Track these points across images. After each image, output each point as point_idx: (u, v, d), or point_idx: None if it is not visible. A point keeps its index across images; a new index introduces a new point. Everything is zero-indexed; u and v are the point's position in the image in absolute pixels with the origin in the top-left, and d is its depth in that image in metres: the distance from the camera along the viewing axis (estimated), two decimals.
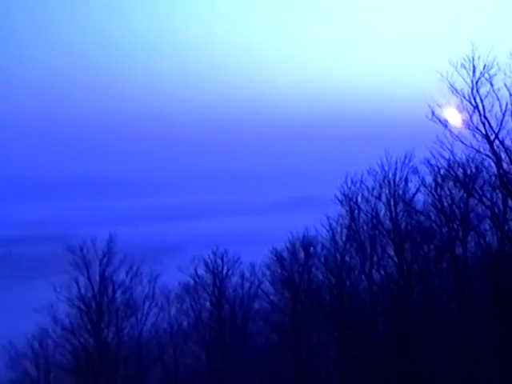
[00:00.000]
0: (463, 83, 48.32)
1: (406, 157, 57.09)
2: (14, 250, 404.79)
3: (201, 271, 65.91)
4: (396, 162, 57.46)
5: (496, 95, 47.90)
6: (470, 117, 49.26)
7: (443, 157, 52.63)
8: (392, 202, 58.13)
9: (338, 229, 60.41)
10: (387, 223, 59.08)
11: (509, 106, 47.34)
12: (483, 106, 47.81)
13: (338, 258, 60.27)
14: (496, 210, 53.36)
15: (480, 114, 48.19)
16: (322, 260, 61.78)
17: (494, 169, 50.86)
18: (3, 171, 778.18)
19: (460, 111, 49.64)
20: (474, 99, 48.82)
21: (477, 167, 53.57)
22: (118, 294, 65.22)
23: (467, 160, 53.26)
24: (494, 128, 48.52)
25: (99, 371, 63.28)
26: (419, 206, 58.65)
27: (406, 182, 58.10)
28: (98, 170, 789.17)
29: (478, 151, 50.96)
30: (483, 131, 48.28)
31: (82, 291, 64.00)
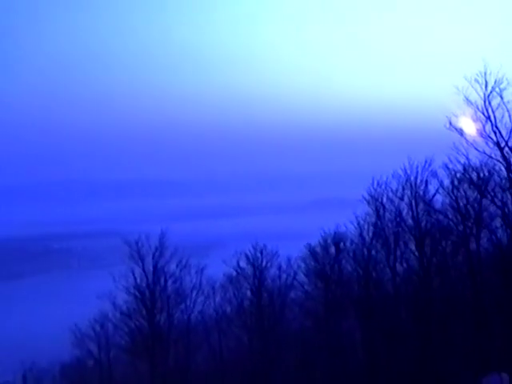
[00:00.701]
0: (477, 96, 50.35)
1: (426, 162, 58.95)
2: (79, 243, 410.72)
3: (242, 263, 67.60)
4: (417, 167, 59.40)
5: (506, 107, 50.31)
6: (483, 126, 51.27)
7: (459, 162, 55.04)
8: (413, 203, 60.03)
9: (365, 226, 62.33)
10: (409, 221, 60.79)
11: None
12: (495, 117, 50.57)
13: (365, 252, 62.19)
14: (506, 210, 55.01)
15: (492, 124, 50.87)
16: (351, 254, 63.66)
17: (505, 173, 53.27)
18: (70, 174, 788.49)
19: (474, 121, 51.42)
20: (487, 110, 50.89)
21: (489, 171, 55.56)
22: (169, 283, 67.49)
23: (480, 165, 55.23)
24: (505, 136, 50.92)
25: (152, 351, 65.72)
26: (438, 206, 60.29)
27: (426, 185, 60.00)
28: (152, 173, 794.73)
29: (490, 157, 52.90)
30: (495, 139, 50.95)
31: (138, 281, 66.64)
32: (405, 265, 62.26)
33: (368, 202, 62.11)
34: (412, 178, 60.41)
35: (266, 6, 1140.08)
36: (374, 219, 62.49)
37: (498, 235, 57.68)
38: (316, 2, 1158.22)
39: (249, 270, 67.83)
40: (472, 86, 50.79)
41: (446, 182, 59.19)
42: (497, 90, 50.37)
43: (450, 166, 56.98)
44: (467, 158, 54.63)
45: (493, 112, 50.97)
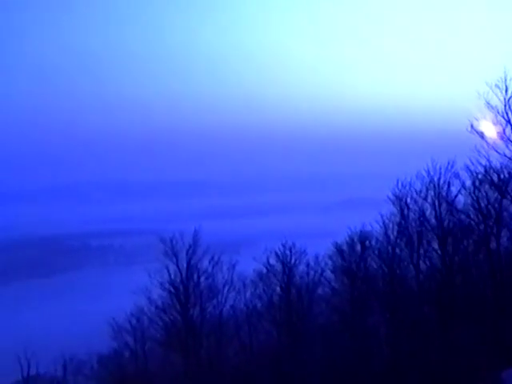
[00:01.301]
0: (497, 101, 51.76)
1: (448, 163, 60.02)
2: (116, 241, 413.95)
3: (272, 261, 67.81)
4: (440, 168, 60.41)
5: None
6: (503, 129, 52.49)
7: (480, 164, 56.46)
8: (437, 203, 60.99)
9: (390, 225, 63.04)
10: (432, 221, 61.73)
11: None
12: None
13: (390, 250, 62.87)
14: None
15: None
16: (376, 252, 64.18)
17: None
18: (108, 175, 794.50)
19: (494, 125, 52.65)
20: (507, 114, 52.06)
21: (509, 173, 56.87)
22: (202, 279, 68.03)
23: (501, 167, 56.54)
24: None
25: (186, 344, 66.35)
26: (460, 206, 61.22)
27: (449, 185, 61.01)
28: (187, 174, 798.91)
29: (510, 159, 54.53)
30: None
31: (172, 277, 67.14)
32: (428, 263, 62.93)
33: (393, 202, 62.86)
34: (435, 179, 61.16)
35: (282, 6, 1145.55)
36: (398, 219, 63.13)
37: None
38: (337, 4, 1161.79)
39: (278, 266, 68.05)
40: (493, 91, 52.08)
41: (468, 183, 60.27)
42: None
43: (472, 168, 58.21)
44: (488, 160, 55.80)
45: None
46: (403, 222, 62.97)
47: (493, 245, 59.61)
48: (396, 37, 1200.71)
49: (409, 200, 62.43)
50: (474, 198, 59.82)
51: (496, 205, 59.04)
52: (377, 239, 64.80)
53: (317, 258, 67.92)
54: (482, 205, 59.47)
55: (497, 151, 54.56)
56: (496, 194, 58.95)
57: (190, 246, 67.72)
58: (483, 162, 56.09)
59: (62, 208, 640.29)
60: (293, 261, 67.75)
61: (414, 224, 62.76)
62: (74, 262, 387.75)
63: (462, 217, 61.35)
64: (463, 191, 60.86)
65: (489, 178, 58.29)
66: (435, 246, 61.86)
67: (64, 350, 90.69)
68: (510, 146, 53.82)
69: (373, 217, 64.24)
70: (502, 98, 52.65)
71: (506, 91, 52.57)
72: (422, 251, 62.29)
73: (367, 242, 64.93)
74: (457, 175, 60.74)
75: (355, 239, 65.46)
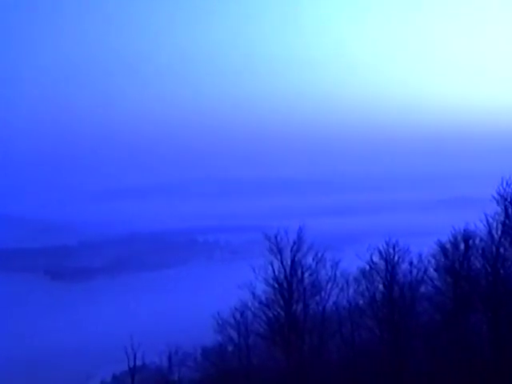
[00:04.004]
0: None
1: None
2: (222, 237, 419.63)
3: (375, 258, 67.08)
4: None
5: None
6: None
7: None
8: None
9: (494, 224, 62.06)
10: None
11: None
12: None
13: (494, 249, 61.82)
14: None
15: None
16: (480, 251, 63.21)
17: None
18: (215, 173, 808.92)
19: None
20: None
21: None
22: (306, 275, 67.82)
23: None
24: None
25: (288, 340, 66.51)
26: None
27: None
28: (292, 173, 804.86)
29: None
30: None
31: (276, 273, 67.41)
32: None
33: (497, 201, 62.05)
34: None
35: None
36: (502, 218, 62.20)
37: None
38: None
39: (381, 264, 67.39)
40: None
41: None
42: None
43: None
44: None
45: None
46: (507, 221, 61.99)
47: None
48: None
49: None
50: None
51: None
52: (481, 238, 63.81)
53: (420, 256, 67.01)
54: None
55: None
56: None
57: (294, 243, 67.68)
58: None
59: (169, 204, 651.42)
60: (396, 259, 66.97)
61: None
62: (180, 257, 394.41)
63: None
64: None
65: None
66: None
67: (169, 342, 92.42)
68: None
69: (477, 216, 63.49)
70: None
71: None
72: None
73: (471, 241, 64.05)
74: None
75: (459, 238, 64.69)
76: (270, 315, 68.51)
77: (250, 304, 69.26)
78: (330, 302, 69.07)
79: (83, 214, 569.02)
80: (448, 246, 65.27)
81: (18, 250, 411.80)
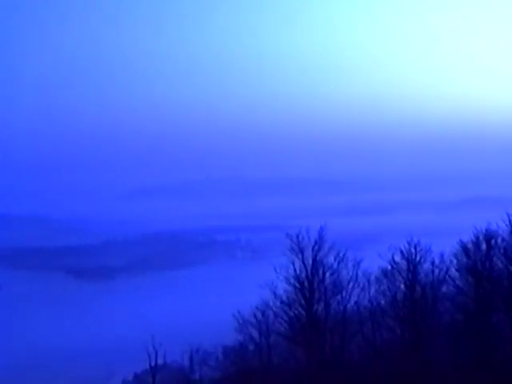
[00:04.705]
0: None
1: None
2: (243, 236, 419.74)
3: (397, 258, 67.02)
4: None
5: None
6: None
7: None
8: None
9: None
10: None
11: None
12: None
13: None
14: None
15: None
16: (502, 251, 63.19)
17: None
18: (237, 172, 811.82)
19: None
20: None
21: None
22: (327, 275, 67.64)
23: None
24: None
25: (309, 339, 66.40)
26: None
27: None
28: (313, 172, 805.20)
29: None
30: None
31: (297, 272, 67.06)
32: None
33: None
34: None
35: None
36: None
37: None
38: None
39: (403, 264, 67.32)
40: None
41: None
42: None
43: None
44: None
45: None
46: None
47: None
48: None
49: None
50: None
51: None
52: (503, 238, 63.87)
53: (442, 256, 66.95)
54: None
55: None
56: None
57: (315, 242, 67.50)
58: None
59: (190, 204, 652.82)
60: (417, 258, 66.90)
61: None
62: (201, 257, 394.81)
63: None
64: None
65: None
66: None
67: (191, 341, 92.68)
68: None
69: (499, 215, 63.63)
70: None
71: None
72: None
73: (493, 241, 63.95)
74: None
75: (481, 238, 64.56)
76: (291, 314, 68.31)
77: (271, 303, 69.27)
78: (352, 302, 68.95)
79: (105, 214, 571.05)
80: (470, 245, 65.10)
81: (41, 249, 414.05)
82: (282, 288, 67.96)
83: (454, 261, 66.41)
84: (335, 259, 68.03)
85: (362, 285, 68.84)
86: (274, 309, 69.41)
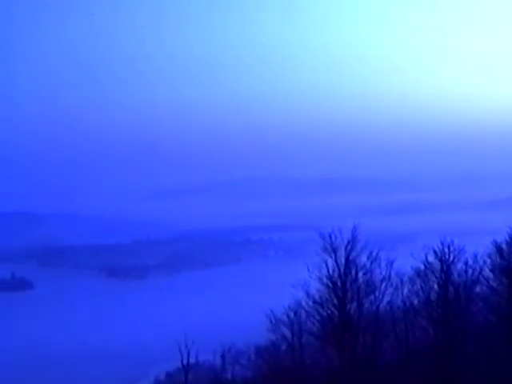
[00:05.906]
0: None
1: None
2: (276, 235, 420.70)
3: (430, 258, 66.80)
4: None
5: None
6: None
7: None
8: None
9: None
10: None
11: None
12: None
13: None
14: None
15: None
16: None
17: None
18: (270, 172, 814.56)
19: None
20: None
21: None
22: (360, 275, 67.26)
23: None
24: None
25: (342, 339, 65.96)
26: None
27: None
28: (348, 172, 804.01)
29: None
30: None
31: (330, 271, 66.79)
32: None
33: None
34: None
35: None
36: None
37: None
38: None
39: (436, 264, 67.08)
40: None
41: None
42: None
43: None
44: None
45: None
46: None
47: None
48: None
49: None
50: None
51: None
52: None
53: (475, 256, 66.78)
54: None
55: None
56: None
57: (348, 242, 67.24)
58: None
59: (224, 203, 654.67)
60: (451, 258, 66.60)
61: None
62: (234, 256, 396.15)
63: None
64: None
65: None
66: None
67: (223, 340, 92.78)
68: None
69: None
70: None
71: None
72: None
73: None
74: None
75: None
76: (324, 314, 68.17)
77: (303, 303, 69.15)
78: (384, 302, 68.64)
79: (139, 212, 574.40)
80: (504, 246, 64.90)
81: (74, 247, 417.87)
82: (315, 287, 67.79)
83: (488, 261, 66.08)
84: (368, 259, 67.68)
85: (394, 285, 68.57)
86: (307, 308, 69.23)
